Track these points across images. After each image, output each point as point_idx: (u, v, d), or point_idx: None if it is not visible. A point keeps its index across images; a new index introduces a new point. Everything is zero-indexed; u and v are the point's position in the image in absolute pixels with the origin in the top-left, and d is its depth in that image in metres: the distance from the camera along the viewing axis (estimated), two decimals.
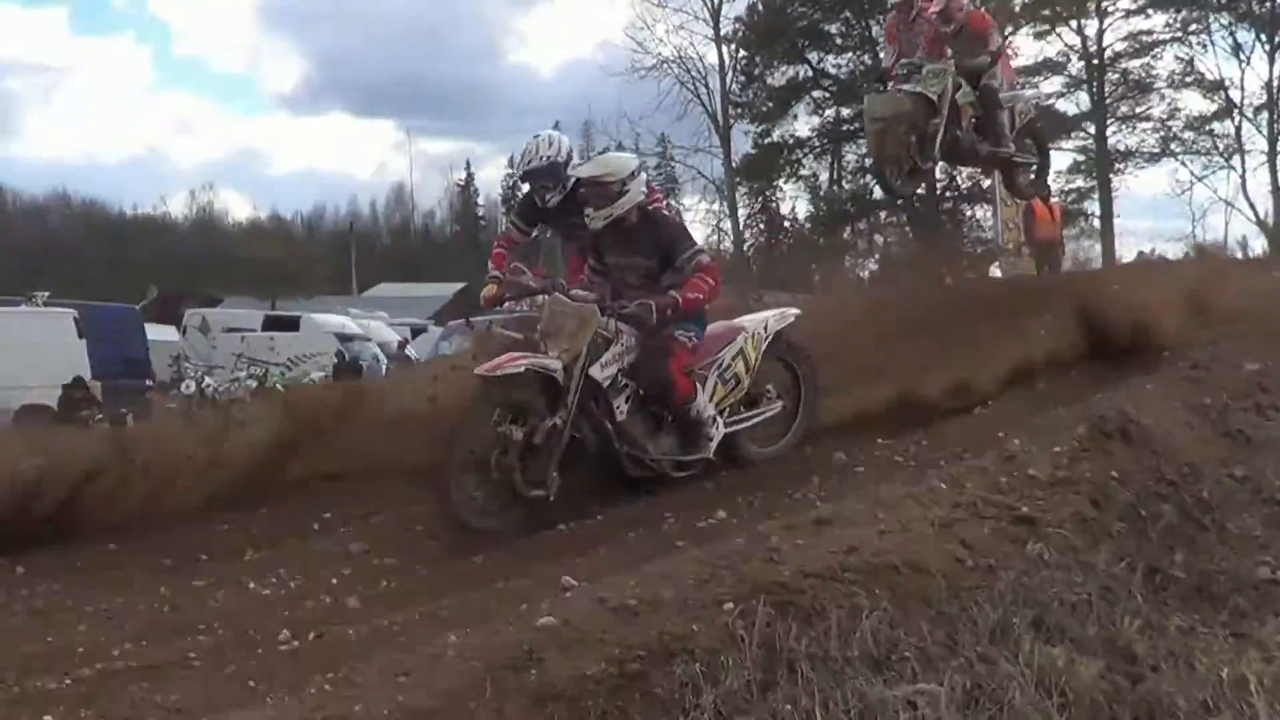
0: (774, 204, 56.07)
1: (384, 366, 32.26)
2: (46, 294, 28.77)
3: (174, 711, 5.83)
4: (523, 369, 8.87)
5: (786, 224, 56.17)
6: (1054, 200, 24.77)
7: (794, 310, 10.58)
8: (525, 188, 11.01)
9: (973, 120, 13.74)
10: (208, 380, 28.90)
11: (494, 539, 8.64)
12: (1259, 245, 45.67)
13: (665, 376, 9.22)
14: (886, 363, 11.12)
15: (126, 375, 25.74)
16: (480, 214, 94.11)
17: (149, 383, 27.57)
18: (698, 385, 9.42)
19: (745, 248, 53.76)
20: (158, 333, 33.65)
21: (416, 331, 43.68)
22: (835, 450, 9.81)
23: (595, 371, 9.06)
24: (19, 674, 6.67)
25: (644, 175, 9.70)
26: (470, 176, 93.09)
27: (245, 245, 72.80)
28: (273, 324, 38.58)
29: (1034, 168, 15.01)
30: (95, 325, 25.83)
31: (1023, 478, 7.28)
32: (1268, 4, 48.33)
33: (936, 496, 6.93)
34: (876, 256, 47.05)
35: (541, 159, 10.40)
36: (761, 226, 56.56)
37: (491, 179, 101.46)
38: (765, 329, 10.11)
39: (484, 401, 8.96)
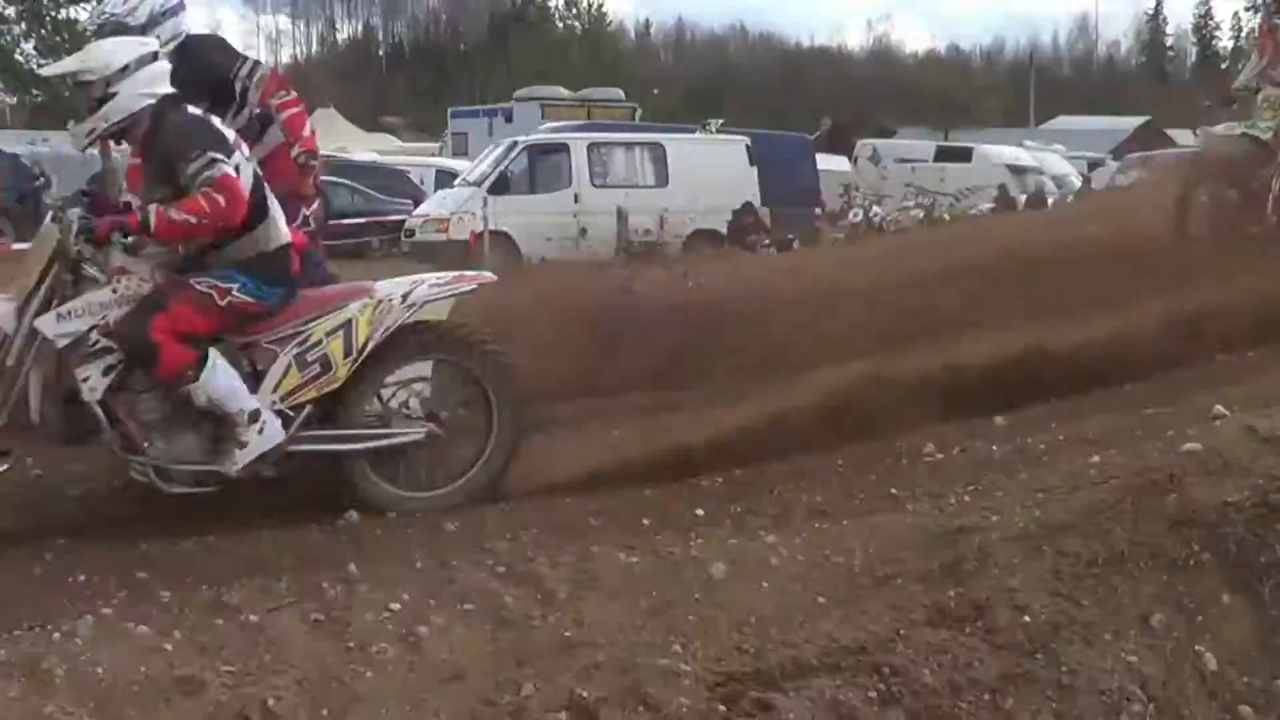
0: None
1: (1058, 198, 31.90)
2: (720, 122, 30.21)
3: (817, 512, 6.11)
4: None
5: None
6: None
7: (477, 275, 7.11)
8: None
9: None
10: (876, 209, 29.49)
11: None
12: None
13: (138, 337, 6.16)
14: None
15: (796, 203, 26.58)
16: (1169, 44, 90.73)
17: (818, 211, 28.43)
18: (215, 360, 6.26)
19: None
20: (829, 162, 34.62)
21: (1093, 165, 42.76)
22: None
23: (44, 324, 6.14)
24: (678, 471, 7.11)
25: (157, 66, 6.41)
26: (1159, 6, 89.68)
27: (921, 77, 73.43)
28: (944, 155, 38.85)
29: None
30: (767, 154, 26.70)
31: None
32: None
33: None
34: None
35: (106, 18, 7.21)
36: None
37: (1182, 9, 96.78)
38: (403, 299, 6.65)
39: None
